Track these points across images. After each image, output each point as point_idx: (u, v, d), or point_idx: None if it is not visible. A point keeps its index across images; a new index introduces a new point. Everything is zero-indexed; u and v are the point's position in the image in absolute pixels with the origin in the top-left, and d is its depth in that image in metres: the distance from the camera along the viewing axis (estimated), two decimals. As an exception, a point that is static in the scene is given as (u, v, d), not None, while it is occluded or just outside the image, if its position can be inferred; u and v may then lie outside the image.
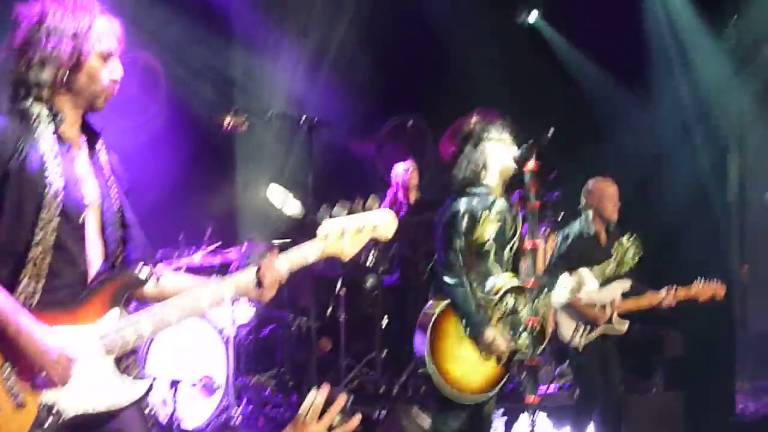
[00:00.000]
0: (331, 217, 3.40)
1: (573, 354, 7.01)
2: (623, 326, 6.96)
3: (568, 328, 6.97)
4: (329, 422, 2.51)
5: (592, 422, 7.00)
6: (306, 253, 3.40)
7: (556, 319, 6.91)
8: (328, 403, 2.52)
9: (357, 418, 2.59)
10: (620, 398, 7.07)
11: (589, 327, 6.92)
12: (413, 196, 8.91)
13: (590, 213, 7.19)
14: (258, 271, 3.35)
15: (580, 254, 6.89)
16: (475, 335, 5.31)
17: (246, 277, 3.36)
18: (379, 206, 3.56)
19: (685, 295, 6.98)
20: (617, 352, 7.08)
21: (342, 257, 3.43)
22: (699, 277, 7.05)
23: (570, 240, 7.11)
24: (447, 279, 5.34)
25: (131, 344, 3.23)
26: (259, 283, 3.34)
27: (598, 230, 7.16)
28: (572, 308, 6.90)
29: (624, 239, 6.02)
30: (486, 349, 5.32)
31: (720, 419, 9.32)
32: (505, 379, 5.49)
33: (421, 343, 5.35)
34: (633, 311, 6.99)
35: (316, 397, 2.54)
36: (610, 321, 6.91)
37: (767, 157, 9.63)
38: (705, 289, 7.01)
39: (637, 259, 5.95)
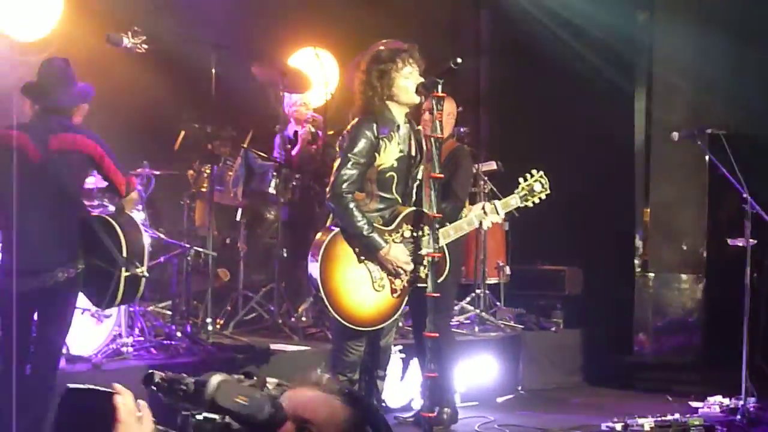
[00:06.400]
0: None
1: None
2: None
3: None
4: None
5: None
6: None
7: None
8: None
9: None
10: None
11: None
12: (308, 129, 8.64)
13: None
14: None
15: None
16: (371, 256, 5.23)
17: None
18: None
19: None
20: None
21: None
22: None
23: None
24: (339, 201, 5.22)
25: None
26: None
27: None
28: None
29: None
30: (387, 266, 5.23)
31: (617, 358, 9.44)
32: (400, 311, 5.43)
33: (313, 270, 5.25)
34: None
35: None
36: None
37: (673, 99, 9.64)
38: None
39: None
